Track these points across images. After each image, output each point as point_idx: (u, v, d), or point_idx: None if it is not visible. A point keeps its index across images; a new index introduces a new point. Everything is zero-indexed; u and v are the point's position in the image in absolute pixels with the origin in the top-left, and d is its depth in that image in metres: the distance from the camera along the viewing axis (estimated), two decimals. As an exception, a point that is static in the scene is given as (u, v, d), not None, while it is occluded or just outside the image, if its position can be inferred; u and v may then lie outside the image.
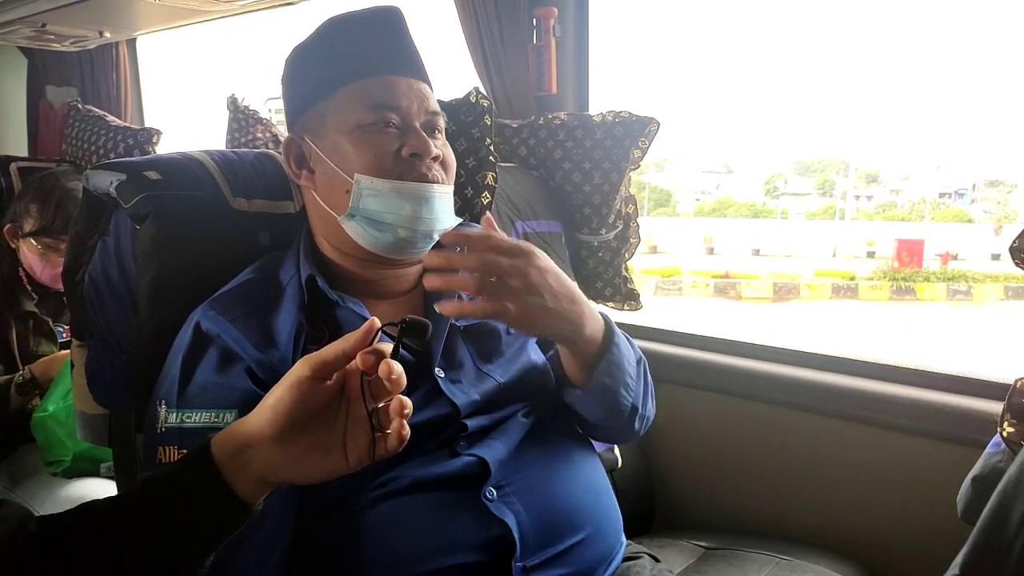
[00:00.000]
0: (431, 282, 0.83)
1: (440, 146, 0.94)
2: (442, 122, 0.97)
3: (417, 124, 0.93)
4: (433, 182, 0.91)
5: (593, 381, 0.92)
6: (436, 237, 0.94)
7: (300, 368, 0.64)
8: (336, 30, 0.96)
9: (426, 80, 0.97)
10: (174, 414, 0.84)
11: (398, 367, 0.62)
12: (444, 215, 0.93)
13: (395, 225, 0.90)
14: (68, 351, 1.61)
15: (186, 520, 0.65)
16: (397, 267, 0.97)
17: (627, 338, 0.99)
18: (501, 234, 0.85)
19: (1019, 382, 0.92)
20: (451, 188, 0.95)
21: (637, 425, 1.00)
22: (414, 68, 0.96)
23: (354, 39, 0.94)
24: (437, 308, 0.83)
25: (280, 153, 1.04)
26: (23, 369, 1.67)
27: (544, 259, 0.86)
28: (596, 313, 0.92)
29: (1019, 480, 0.70)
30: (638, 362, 0.98)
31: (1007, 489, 0.72)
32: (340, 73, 0.93)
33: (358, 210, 0.91)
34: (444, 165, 0.94)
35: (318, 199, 0.96)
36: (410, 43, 0.97)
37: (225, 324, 0.87)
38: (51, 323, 1.77)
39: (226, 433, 0.67)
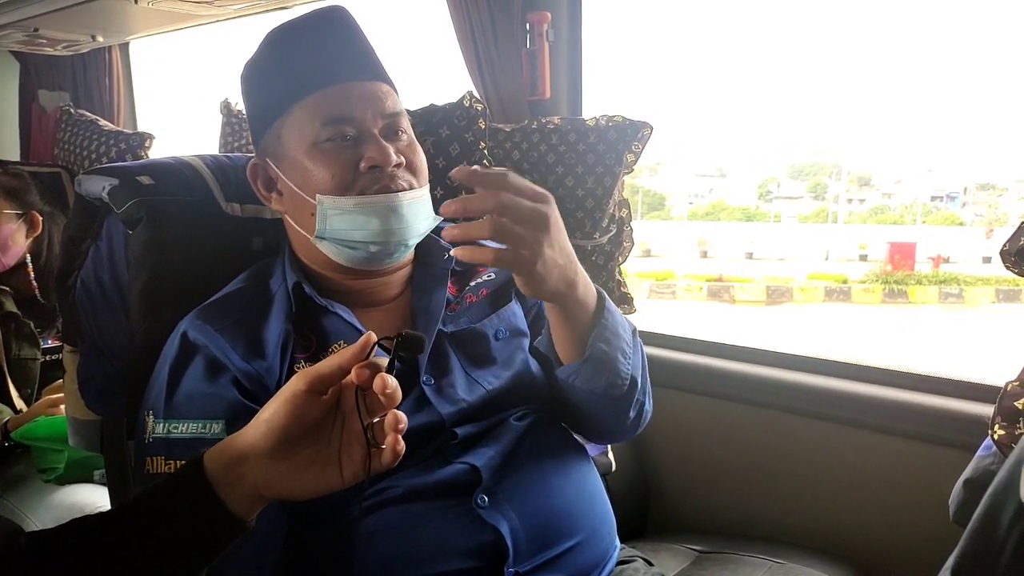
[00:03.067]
0: (449, 233, 0.76)
1: (404, 149, 0.90)
2: (404, 122, 0.93)
3: (375, 131, 0.89)
4: (398, 191, 0.88)
5: (589, 348, 0.86)
6: (412, 244, 0.92)
7: (296, 382, 0.64)
8: (280, 42, 0.92)
9: (382, 79, 0.93)
10: (161, 424, 0.83)
11: (393, 381, 0.62)
12: (416, 221, 0.90)
13: (366, 242, 0.88)
14: (43, 404, 1.60)
15: (178, 536, 0.64)
16: (381, 276, 0.96)
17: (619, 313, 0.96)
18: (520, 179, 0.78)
19: (1009, 385, 0.93)
20: (423, 191, 0.92)
21: (633, 413, 0.95)
22: (366, 69, 0.92)
23: (299, 49, 0.90)
24: (452, 253, 0.76)
25: None
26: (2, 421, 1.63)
27: (557, 210, 0.80)
28: (587, 278, 0.86)
29: (1009, 482, 0.70)
30: (633, 333, 0.93)
31: (997, 491, 0.72)
32: (289, 90, 0.90)
33: (326, 232, 0.89)
34: (411, 169, 0.91)
35: (290, 221, 0.94)
36: (361, 43, 0.93)
37: (212, 334, 0.86)
38: (32, 326, 1.76)
39: (219, 447, 0.66)
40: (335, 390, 0.65)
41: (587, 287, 0.86)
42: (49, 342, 1.80)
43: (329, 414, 0.66)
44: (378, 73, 0.93)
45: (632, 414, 0.96)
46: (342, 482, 0.65)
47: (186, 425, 0.82)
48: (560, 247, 0.79)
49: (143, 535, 0.65)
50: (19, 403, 1.69)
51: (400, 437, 0.64)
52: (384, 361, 0.64)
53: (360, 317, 0.93)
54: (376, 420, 0.65)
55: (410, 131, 0.95)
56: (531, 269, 0.77)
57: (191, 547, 0.65)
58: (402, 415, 0.64)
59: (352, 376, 0.63)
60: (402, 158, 0.90)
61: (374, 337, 0.64)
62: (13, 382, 1.71)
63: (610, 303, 0.89)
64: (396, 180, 0.89)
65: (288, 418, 0.63)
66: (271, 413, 0.64)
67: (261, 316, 0.89)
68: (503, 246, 0.76)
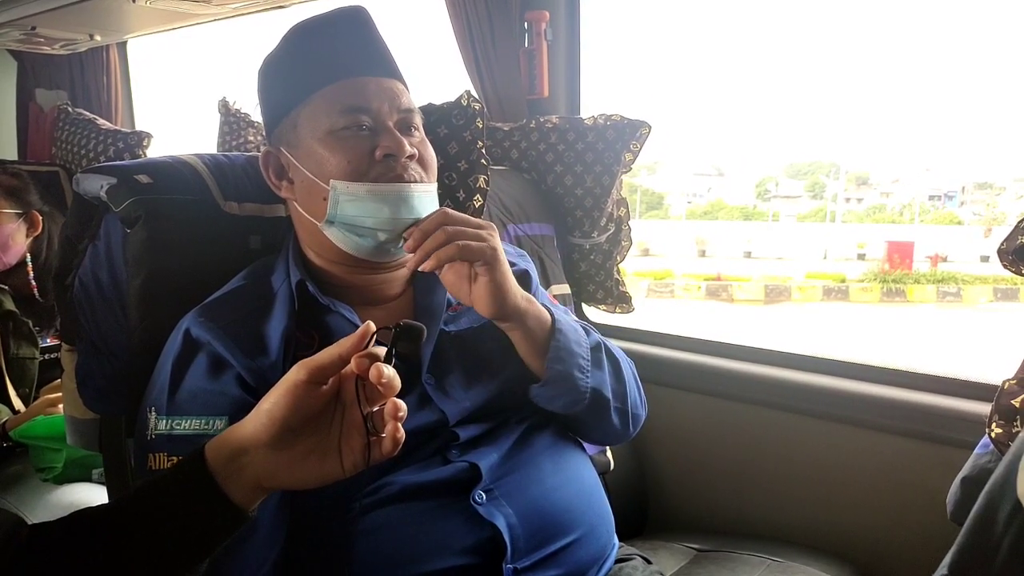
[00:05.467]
0: (416, 262, 0.86)
1: (416, 143, 0.93)
2: (418, 119, 0.96)
3: (390, 123, 0.92)
4: (410, 181, 0.90)
5: (548, 370, 0.92)
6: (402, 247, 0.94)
7: (296, 373, 0.64)
8: (302, 37, 0.95)
9: (398, 77, 0.96)
10: (164, 421, 0.83)
11: (388, 371, 0.62)
12: (425, 214, 0.91)
13: (375, 229, 0.89)
14: (42, 404, 1.60)
15: (180, 527, 0.65)
16: (385, 271, 0.97)
17: (584, 326, 1.00)
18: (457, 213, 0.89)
19: (1007, 383, 0.93)
20: (432, 186, 0.94)
21: (617, 420, 0.98)
22: (384, 66, 0.95)
23: (320, 44, 0.93)
24: (421, 269, 0.86)
25: None
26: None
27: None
28: (535, 300, 0.94)
29: (1006, 480, 0.71)
30: (595, 347, 0.97)
31: (994, 489, 0.72)
32: (308, 80, 0.92)
33: (336, 216, 0.90)
34: (422, 163, 0.93)
35: (299, 208, 0.95)
36: (378, 41, 0.96)
37: (215, 331, 0.86)
38: (31, 325, 1.76)
39: (220, 439, 0.66)
40: (335, 380, 0.66)
41: (540, 307, 0.94)
42: (48, 340, 1.80)
43: (329, 404, 0.66)
44: (395, 72, 0.96)
45: (616, 421, 0.99)
46: (342, 472, 0.66)
47: (189, 421, 0.82)
48: (509, 272, 0.89)
49: (145, 527, 0.65)
50: (17, 403, 1.69)
51: (400, 425, 0.64)
52: (383, 351, 0.64)
53: (362, 315, 0.93)
54: (376, 409, 0.65)
55: (422, 130, 0.97)
56: (494, 255, 0.86)
57: (193, 538, 0.65)
58: (401, 403, 0.64)
59: (351, 366, 0.63)
60: (415, 150, 0.92)
61: (373, 326, 0.65)
62: (11, 381, 1.70)
63: (561, 323, 0.94)
64: (408, 171, 0.91)
65: (288, 408, 0.64)
66: (271, 404, 0.64)
67: (263, 313, 0.90)
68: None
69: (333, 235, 0.92)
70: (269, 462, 0.64)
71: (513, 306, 0.89)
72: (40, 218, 1.82)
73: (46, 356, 1.78)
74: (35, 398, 1.72)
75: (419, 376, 0.91)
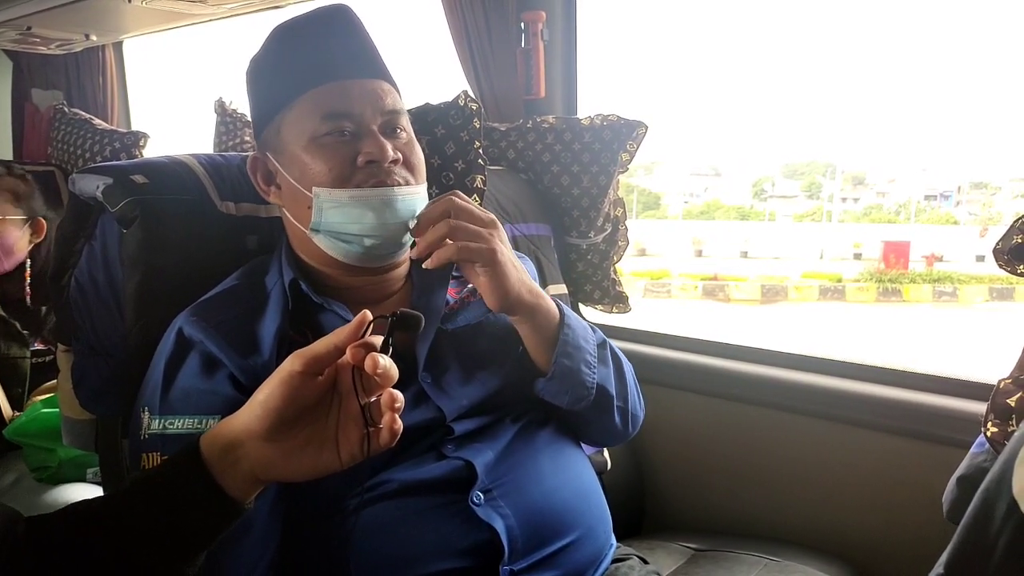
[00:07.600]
0: (415, 252, 0.88)
1: (401, 146, 0.92)
2: (404, 120, 0.94)
3: (374, 127, 0.90)
4: (394, 185, 0.89)
5: (555, 365, 0.92)
6: (407, 241, 0.93)
7: (291, 363, 0.64)
8: (283, 38, 0.94)
9: (383, 77, 0.94)
10: (157, 420, 0.83)
11: (384, 360, 0.62)
12: (411, 217, 0.90)
13: (360, 235, 0.88)
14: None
15: (176, 519, 0.64)
16: (379, 273, 0.96)
17: (590, 325, 1.00)
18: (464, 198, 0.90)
19: (1002, 382, 0.93)
20: (419, 188, 0.93)
21: (618, 419, 0.99)
22: (368, 67, 0.93)
23: (302, 46, 0.92)
24: (425, 266, 0.86)
25: None
26: None
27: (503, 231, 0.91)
28: (544, 294, 0.94)
29: (1002, 479, 0.71)
30: (600, 344, 0.98)
31: (990, 488, 0.72)
32: (290, 85, 0.91)
33: (321, 224, 0.89)
34: (408, 165, 0.92)
35: (288, 215, 0.95)
36: (363, 41, 0.94)
37: (208, 330, 0.86)
38: (19, 325, 1.75)
39: (215, 431, 0.66)
40: (331, 371, 0.65)
41: (550, 301, 0.94)
42: (36, 345, 1.79)
43: (325, 395, 0.66)
44: (379, 71, 0.94)
45: (617, 420, 0.99)
46: (340, 463, 0.65)
47: (182, 421, 0.82)
48: (513, 261, 0.90)
49: (141, 519, 0.65)
50: (5, 407, 1.67)
51: (397, 416, 0.64)
52: (380, 341, 0.64)
53: (357, 312, 0.92)
54: (373, 400, 0.65)
55: (409, 129, 0.96)
56: (492, 257, 0.86)
57: (189, 531, 0.65)
58: (398, 394, 0.64)
59: (347, 356, 0.63)
60: (399, 154, 0.91)
61: (369, 316, 0.64)
62: (3, 381, 1.70)
63: (570, 318, 0.95)
64: (392, 176, 0.90)
65: (283, 399, 0.63)
66: (266, 395, 0.64)
67: (257, 312, 0.90)
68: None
69: (321, 242, 0.91)
70: (264, 454, 0.64)
71: (516, 301, 0.89)
72: (44, 224, 1.81)
73: (35, 360, 1.77)
74: (28, 398, 1.71)
75: (416, 374, 0.91)
